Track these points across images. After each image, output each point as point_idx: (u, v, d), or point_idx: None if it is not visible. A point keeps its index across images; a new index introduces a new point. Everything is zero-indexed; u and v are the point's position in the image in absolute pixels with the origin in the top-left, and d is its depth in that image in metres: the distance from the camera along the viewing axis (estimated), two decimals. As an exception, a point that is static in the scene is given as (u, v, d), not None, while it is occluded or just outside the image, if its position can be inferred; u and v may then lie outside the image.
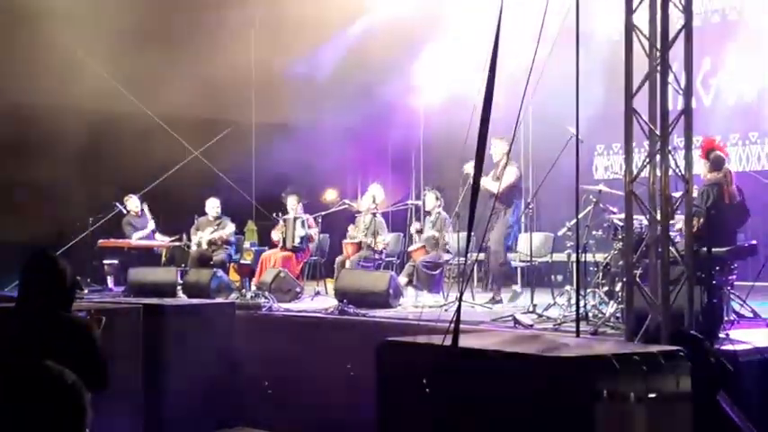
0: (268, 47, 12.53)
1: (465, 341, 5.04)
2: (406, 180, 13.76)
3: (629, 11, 6.12)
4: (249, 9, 12.82)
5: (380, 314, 8.75)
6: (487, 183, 9.13)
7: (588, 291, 7.89)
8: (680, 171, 6.09)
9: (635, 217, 6.48)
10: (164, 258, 12.63)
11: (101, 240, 12.31)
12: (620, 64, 6.15)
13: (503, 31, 5.20)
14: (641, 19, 6.15)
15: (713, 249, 6.45)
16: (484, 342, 5.69)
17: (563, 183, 8.03)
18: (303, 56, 13.61)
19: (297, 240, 11.25)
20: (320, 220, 11.48)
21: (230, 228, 11.88)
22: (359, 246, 10.84)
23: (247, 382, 8.49)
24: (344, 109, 13.09)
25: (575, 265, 7.71)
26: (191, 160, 13.19)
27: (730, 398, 5.49)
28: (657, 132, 6.03)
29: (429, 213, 10.47)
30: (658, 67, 6.07)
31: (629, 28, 6.11)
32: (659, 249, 6.00)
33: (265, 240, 12.46)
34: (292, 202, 11.55)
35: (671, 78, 6.10)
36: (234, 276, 11.91)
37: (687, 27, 6.05)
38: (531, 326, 7.49)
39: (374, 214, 10.93)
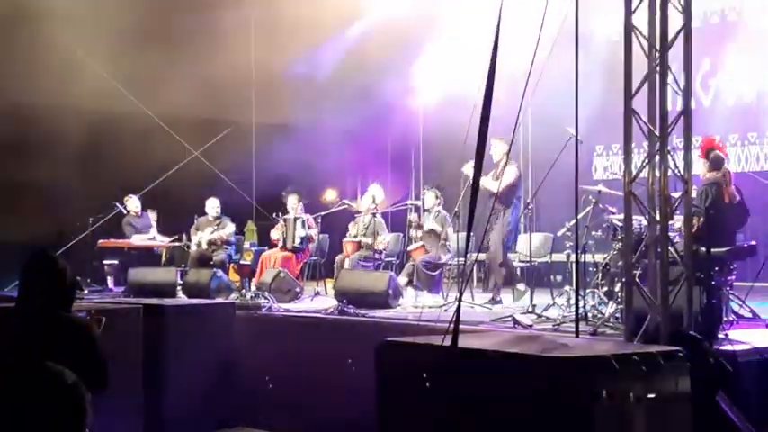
0: (268, 47, 12.53)
1: (464, 341, 5.04)
2: (405, 180, 13.77)
3: (629, 12, 6.13)
4: (249, 10, 12.82)
5: (380, 314, 8.75)
6: (487, 182, 9.13)
7: (587, 291, 7.89)
8: (679, 171, 6.10)
9: (634, 217, 6.48)
10: (164, 258, 12.63)
11: (101, 240, 12.32)
12: (619, 65, 6.15)
13: (502, 32, 5.20)
14: (641, 20, 6.16)
15: (712, 250, 6.46)
16: (483, 342, 5.69)
17: (562, 183, 8.04)
18: (303, 56, 13.63)
19: (297, 241, 11.24)
20: (320, 221, 11.48)
21: (230, 228, 11.88)
22: (359, 244, 10.85)
23: (247, 382, 8.50)
24: (344, 109, 13.10)
25: (574, 265, 7.71)
26: (190, 160, 13.19)
27: (729, 398, 5.50)
28: (657, 133, 6.04)
29: (429, 212, 10.47)
30: (657, 68, 6.08)
31: (629, 29, 6.12)
32: (658, 250, 6.01)
33: (265, 240, 12.46)
34: (293, 202, 11.53)
35: (670, 79, 6.11)
36: (234, 276, 11.91)
37: (686, 28, 6.06)
38: (531, 326, 7.49)
39: (374, 214, 10.93)
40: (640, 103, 6.09)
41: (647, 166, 6.08)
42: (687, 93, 6.12)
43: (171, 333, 8.18)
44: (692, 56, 6.09)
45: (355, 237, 10.96)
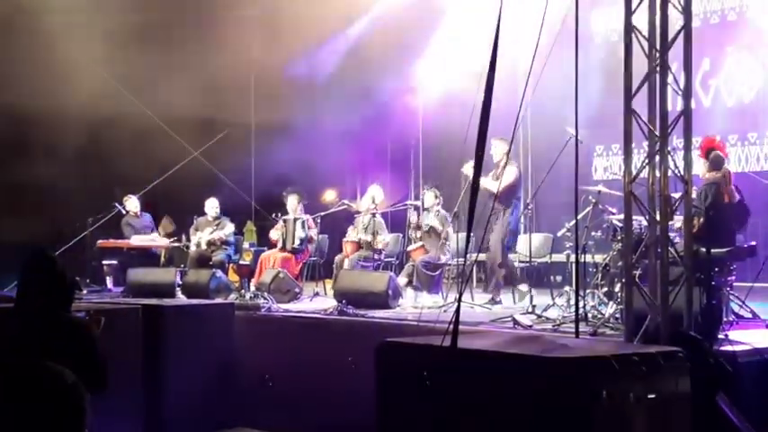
0: (268, 47, 12.53)
1: (464, 342, 5.04)
2: (405, 180, 13.76)
3: (629, 12, 6.13)
4: (249, 9, 12.82)
5: (380, 315, 8.74)
6: (487, 183, 9.12)
7: (587, 291, 7.88)
8: (679, 172, 6.10)
9: (634, 218, 6.48)
10: (163, 259, 12.63)
11: (100, 241, 12.31)
12: (619, 65, 6.15)
13: (502, 32, 5.20)
14: (640, 20, 6.16)
15: (712, 250, 6.45)
16: (483, 343, 5.69)
17: (562, 183, 8.04)
18: (302, 56, 13.62)
19: (296, 243, 11.21)
20: (319, 221, 11.46)
21: (229, 228, 11.87)
22: (358, 245, 10.84)
23: (247, 383, 8.50)
24: (343, 109, 13.09)
25: (574, 265, 7.71)
26: (190, 160, 13.19)
27: (729, 399, 5.49)
28: (657, 133, 6.04)
29: (428, 211, 10.46)
30: (658, 68, 6.08)
31: (629, 29, 6.12)
32: (658, 250, 6.01)
33: (264, 241, 12.45)
34: (292, 202, 11.50)
35: (670, 79, 6.11)
36: (233, 277, 11.90)
37: (686, 28, 6.06)
38: (531, 326, 7.49)
39: (374, 215, 10.92)
40: (640, 104, 6.09)
41: (647, 167, 6.08)
42: (687, 93, 6.12)
43: (170, 333, 8.17)
44: (692, 56, 6.09)
45: (355, 237, 10.95)
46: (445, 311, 8.21)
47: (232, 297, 10.19)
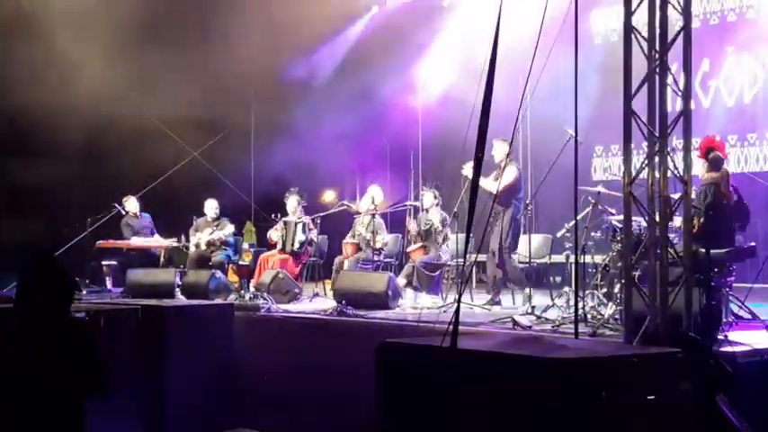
0: (267, 48, 12.53)
1: (464, 342, 5.04)
2: (404, 181, 13.76)
3: (629, 12, 6.13)
4: (248, 10, 12.82)
5: (379, 315, 8.74)
6: (486, 183, 9.10)
7: (587, 292, 7.89)
8: (678, 173, 6.10)
9: (634, 218, 6.47)
10: (162, 259, 12.61)
11: (99, 241, 12.30)
12: (618, 65, 6.15)
13: (501, 32, 5.20)
14: (640, 20, 6.16)
15: (712, 251, 6.46)
16: (483, 343, 5.70)
17: (562, 184, 8.04)
18: (302, 57, 13.63)
19: (297, 246, 11.20)
20: (319, 221, 11.45)
21: (229, 229, 11.87)
22: (358, 246, 10.83)
23: (246, 383, 8.50)
24: (343, 110, 13.10)
25: (573, 266, 7.71)
26: (189, 161, 13.18)
27: (729, 400, 5.49)
28: (656, 134, 6.04)
29: (427, 212, 10.46)
30: (657, 69, 6.08)
31: (628, 29, 6.12)
32: (658, 251, 6.01)
33: (264, 241, 12.44)
34: (293, 203, 11.48)
35: (670, 80, 6.11)
36: (232, 277, 11.89)
37: (686, 29, 6.06)
38: (530, 327, 7.49)
39: (373, 215, 10.92)
40: (640, 104, 6.09)
41: (647, 167, 6.07)
42: (687, 93, 6.12)
43: (170, 334, 8.18)
44: (692, 56, 6.09)
45: (354, 239, 10.95)
46: (445, 312, 8.22)
47: (231, 298, 10.19)
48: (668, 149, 6.06)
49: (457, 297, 5.36)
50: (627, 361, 4.75)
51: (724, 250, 7.12)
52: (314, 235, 11.42)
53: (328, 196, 15.06)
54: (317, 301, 10.31)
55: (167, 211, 13.19)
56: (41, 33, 11.32)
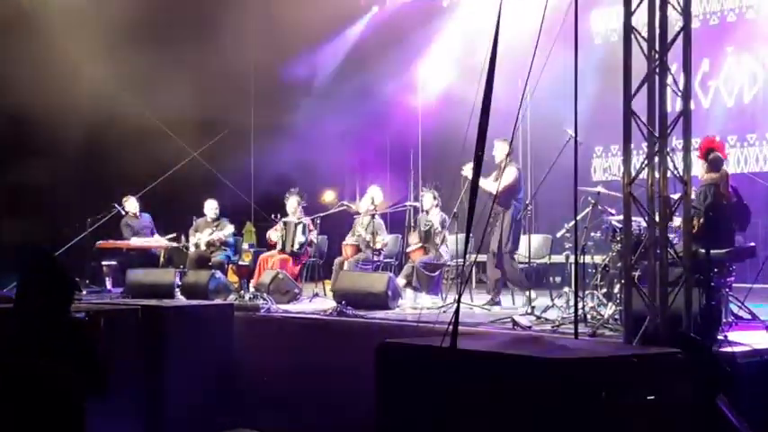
0: (267, 48, 12.54)
1: (463, 343, 5.04)
2: (404, 181, 13.76)
3: (628, 12, 6.13)
4: (248, 10, 12.82)
5: (379, 315, 8.74)
6: (486, 184, 9.10)
7: (587, 292, 7.88)
8: (678, 173, 6.10)
9: (633, 219, 6.47)
10: (162, 260, 12.61)
11: (99, 241, 12.30)
12: (618, 65, 6.15)
13: (501, 32, 5.20)
14: (640, 21, 6.16)
15: (712, 251, 6.46)
16: (482, 344, 5.69)
17: (561, 184, 8.03)
18: (302, 57, 13.63)
19: (296, 247, 11.19)
20: (318, 222, 11.45)
21: (229, 229, 11.86)
22: (358, 248, 10.83)
23: (246, 383, 8.50)
24: (343, 110, 13.11)
25: (573, 266, 7.70)
26: (189, 161, 13.18)
27: (728, 400, 5.49)
28: (656, 134, 6.04)
29: (427, 213, 10.46)
30: (657, 69, 6.08)
31: (628, 30, 6.12)
32: (658, 251, 6.01)
33: (264, 242, 12.44)
34: (293, 204, 11.47)
35: (669, 80, 6.11)
36: (232, 278, 11.89)
37: (686, 29, 6.06)
38: (530, 327, 7.49)
39: (373, 215, 10.92)
40: (640, 104, 6.09)
41: (647, 168, 6.07)
42: (686, 94, 6.12)
43: (170, 334, 8.18)
44: (692, 57, 6.09)
45: (354, 240, 10.94)
46: (444, 312, 8.22)
47: (231, 298, 10.19)
48: (668, 150, 6.06)
49: (457, 297, 5.36)
50: (627, 361, 4.75)
51: (724, 250, 7.13)
52: (314, 236, 11.41)
53: (328, 196, 15.06)
54: (316, 302, 10.31)
55: (167, 211, 13.18)
56: (41, 32, 11.31)
